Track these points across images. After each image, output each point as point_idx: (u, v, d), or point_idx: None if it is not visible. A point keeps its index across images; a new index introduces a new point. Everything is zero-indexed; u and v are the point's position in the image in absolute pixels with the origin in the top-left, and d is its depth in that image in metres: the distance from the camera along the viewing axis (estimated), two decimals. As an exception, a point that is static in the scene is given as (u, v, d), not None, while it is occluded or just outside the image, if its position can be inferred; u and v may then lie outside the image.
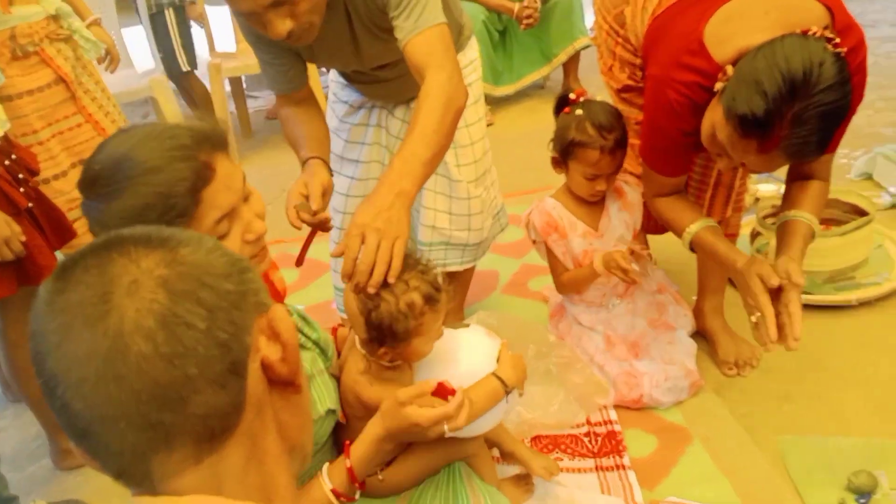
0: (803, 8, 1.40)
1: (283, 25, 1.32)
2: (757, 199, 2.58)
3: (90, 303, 0.52)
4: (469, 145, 1.88)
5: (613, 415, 1.87)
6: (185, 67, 3.76)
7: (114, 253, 0.54)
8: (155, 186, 0.98)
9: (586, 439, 1.81)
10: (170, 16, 3.68)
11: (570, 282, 1.97)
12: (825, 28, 1.34)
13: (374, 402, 1.30)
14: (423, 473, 1.40)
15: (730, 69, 1.37)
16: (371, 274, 1.18)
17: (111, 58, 2.53)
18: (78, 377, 0.51)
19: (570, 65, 3.98)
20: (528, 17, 3.69)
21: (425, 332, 1.30)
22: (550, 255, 1.97)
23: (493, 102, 3.98)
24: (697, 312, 2.06)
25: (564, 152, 1.84)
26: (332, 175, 1.55)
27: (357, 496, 1.24)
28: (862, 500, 1.52)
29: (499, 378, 1.33)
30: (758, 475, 1.64)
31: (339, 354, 1.42)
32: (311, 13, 1.35)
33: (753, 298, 1.52)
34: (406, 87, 1.77)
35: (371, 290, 1.20)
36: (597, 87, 2.03)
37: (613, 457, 1.75)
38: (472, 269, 2.11)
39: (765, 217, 2.34)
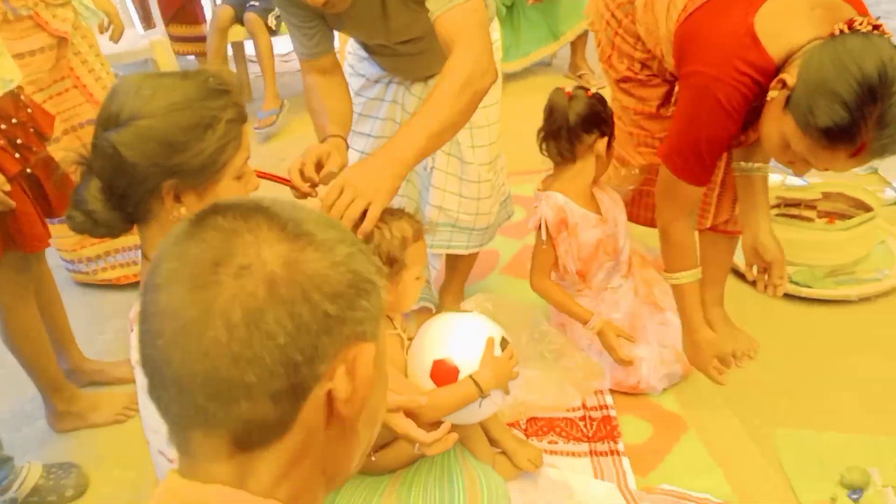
0: (839, 5, 1.37)
1: None
2: (761, 190, 2.57)
3: (201, 264, 0.52)
4: (486, 126, 1.86)
5: (609, 399, 1.88)
6: None
7: (248, 224, 0.54)
8: (212, 111, 1.04)
9: (581, 423, 1.82)
10: None
11: (557, 302, 1.92)
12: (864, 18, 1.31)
13: None
14: (414, 455, 1.40)
15: (788, 78, 1.32)
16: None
17: (114, 27, 2.47)
18: (157, 327, 0.52)
19: (578, 43, 3.93)
20: (538, -8, 3.64)
21: (414, 263, 1.34)
22: (544, 252, 1.90)
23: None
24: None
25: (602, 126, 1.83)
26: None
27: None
28: (854, 496, 1.53)
29: (475, 381, 1.32)
30: (751, 467, 1.66)
31: None
32: None
33: (704, 373, 1.74)
34: (426, 63, 1.75)
35: None
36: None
37: (608, 442, 1.76)
38: (476, 254, 2.10)
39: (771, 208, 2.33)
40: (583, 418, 1.84)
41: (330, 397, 0.55)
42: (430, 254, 2.03)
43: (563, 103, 1.82)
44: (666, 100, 1.79)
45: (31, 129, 1.70)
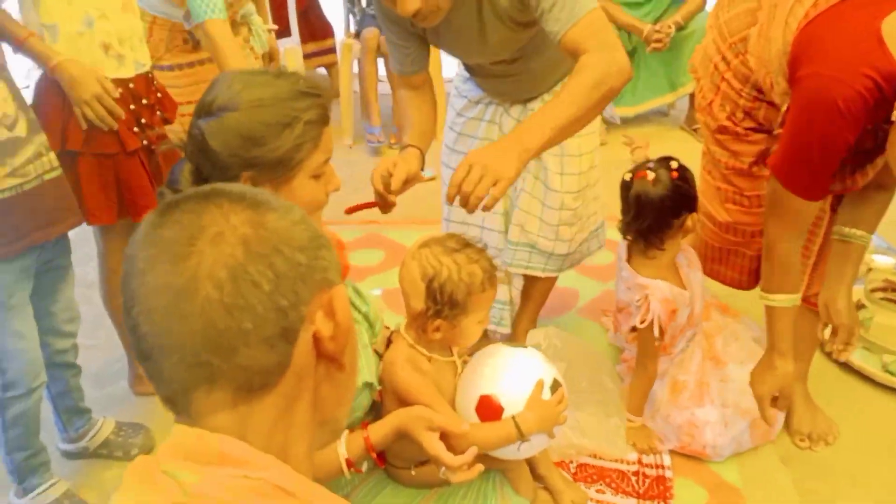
0: None
1: (411, 4, 1.39)
2: (869, 270, 2.42)
3: (178, 242, 0.57)
4: (577, 156, 1.87)
5: (667, 460, 1.81)
6: None
7: (211, 203, 0.59)
8: (295, 111, 1.09)
9: (634, 478, 1.77)
10: None
11: (639, 389, 1.84)
12: None
13: (401, 386, 1.30)
14: None
15: None
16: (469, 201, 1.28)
17: (273, 64, 2.67)
18: (151, 304, 0.57)
19: (698, 97, 3.87)
20: (658, 41, 3.59)
21: (477, 310, 1.32)
22: (654, 343, 1.78)
23: (610, 122, 3.91)
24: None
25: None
26: (422, 168, 1.59)
27: (364, 468, 1.26)
28: None
29: (516, 424, 1.30)
30: (808, 556, 1.56)
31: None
32: None
33: (757, 401, 1.62)
34: (524, 86, 1.80)
35: (469, 211, 1.30)
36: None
37: (658, 502, 1.70)
38: (553, 280, 2.09)
39: (873, 290, 2.20)
40: (636, 473, 1.78)
41: (316, 339, 0.60)
42: (512, 273, 2.04)
43: (651, 195, 1.71)
44: (760, 158, 1.73)
45: (158, 112, 1.85)
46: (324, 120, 1.14)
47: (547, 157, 1.83)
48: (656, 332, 1.74)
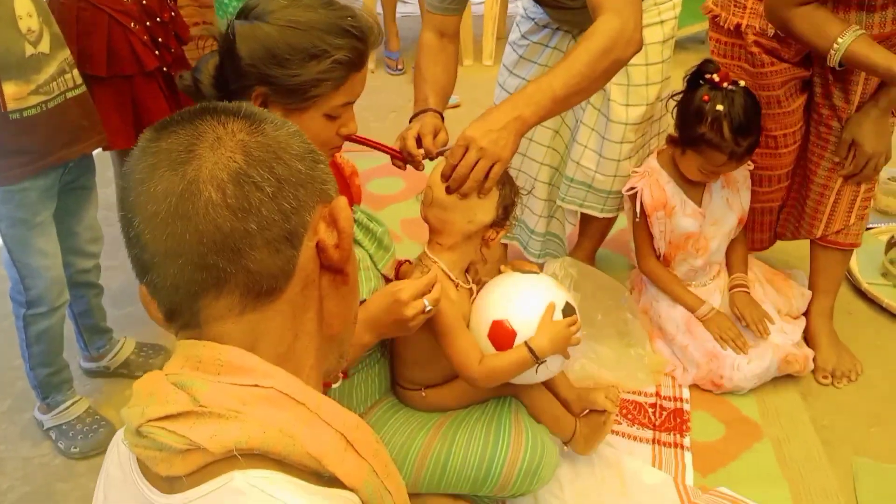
0: None
1: None
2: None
3: (176, 150, 0.57)
4: (643, 85, 1.78)
5: (686, 393, 1.80)
6: None
7: (206, 114, 0.59)
8: (327, 45, 1.06)
9: (651, 410, 1.77)
10: None
11: (667, 287, 1.83)
12: None
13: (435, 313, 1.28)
14: (467, 399, 1.41)
15: None
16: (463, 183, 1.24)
17: None
18: (152, 211, 0.56)
19: (737, 24, 3.70)
20: (703, -37, 3.43)
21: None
22: (644, 232, 1.83)
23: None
24: (805, 313, 1.93)
25: (689, 140, 1.69)
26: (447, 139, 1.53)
27: (338, 383, 1.25)
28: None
29: (529, 348, 1.29)
30: (822, 491, 1.55)
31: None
32: None
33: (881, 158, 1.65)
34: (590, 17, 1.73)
35: (458, 198, 1.26)
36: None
37: (674, 434, 1.70)
38: (611, 220, 2.03)
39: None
40: (653, 405, 1.78)
41: (320, 248, 0.61)
42: (566, 209, 1.99)
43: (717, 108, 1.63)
44: (786, 91, 1.69)
45: (173, 32, 1.80)
46: (355, 64, 1.10)
47: (611, 87, 1.75)
48: (636, 209, 1.77)
